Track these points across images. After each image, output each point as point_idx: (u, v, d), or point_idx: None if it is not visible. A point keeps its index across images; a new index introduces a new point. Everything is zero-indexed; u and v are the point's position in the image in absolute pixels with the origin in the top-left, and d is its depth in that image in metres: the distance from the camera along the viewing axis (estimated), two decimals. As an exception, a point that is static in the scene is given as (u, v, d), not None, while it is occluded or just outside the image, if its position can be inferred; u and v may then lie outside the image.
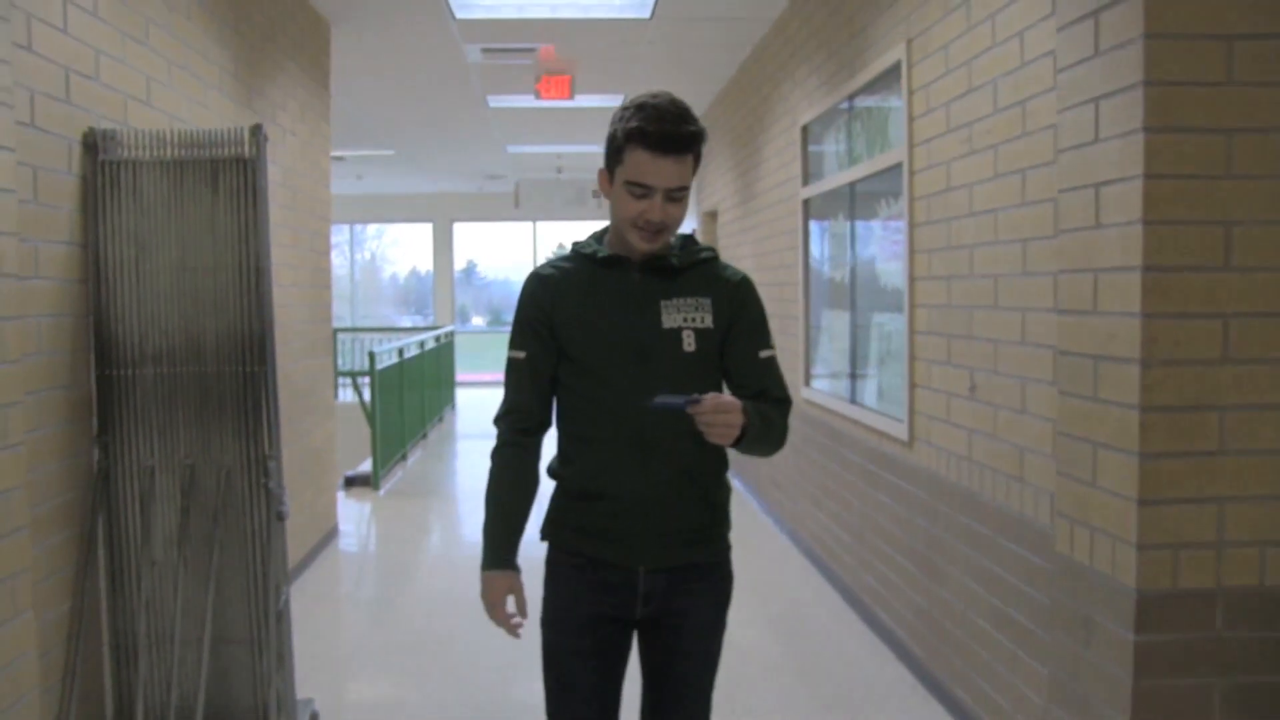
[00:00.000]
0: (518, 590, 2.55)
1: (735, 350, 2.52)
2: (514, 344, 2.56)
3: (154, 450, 3.89)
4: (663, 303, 2.47)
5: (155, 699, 3.87)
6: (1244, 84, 2.70)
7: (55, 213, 3.62)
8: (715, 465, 2.56)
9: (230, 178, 3.91)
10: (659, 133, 2.32)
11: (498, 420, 2.60)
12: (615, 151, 2.40)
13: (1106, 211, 2.84)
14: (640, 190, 2.36)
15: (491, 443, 2.61)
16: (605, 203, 2.53)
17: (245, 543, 3.94)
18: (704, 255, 2.54)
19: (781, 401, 2.55)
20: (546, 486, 2.62)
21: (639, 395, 2.37)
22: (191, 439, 3.91)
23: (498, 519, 2.58)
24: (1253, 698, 2.78)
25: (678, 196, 2.38)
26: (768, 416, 2.46)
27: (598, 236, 2.59)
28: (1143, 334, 2.71)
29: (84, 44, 3.82)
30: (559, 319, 2.49)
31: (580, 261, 2.55)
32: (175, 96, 4.65)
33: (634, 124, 2.34)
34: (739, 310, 2.52)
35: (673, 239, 2.53)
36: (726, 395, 2.37)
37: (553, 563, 2.61)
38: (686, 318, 2.46)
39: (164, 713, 3.85)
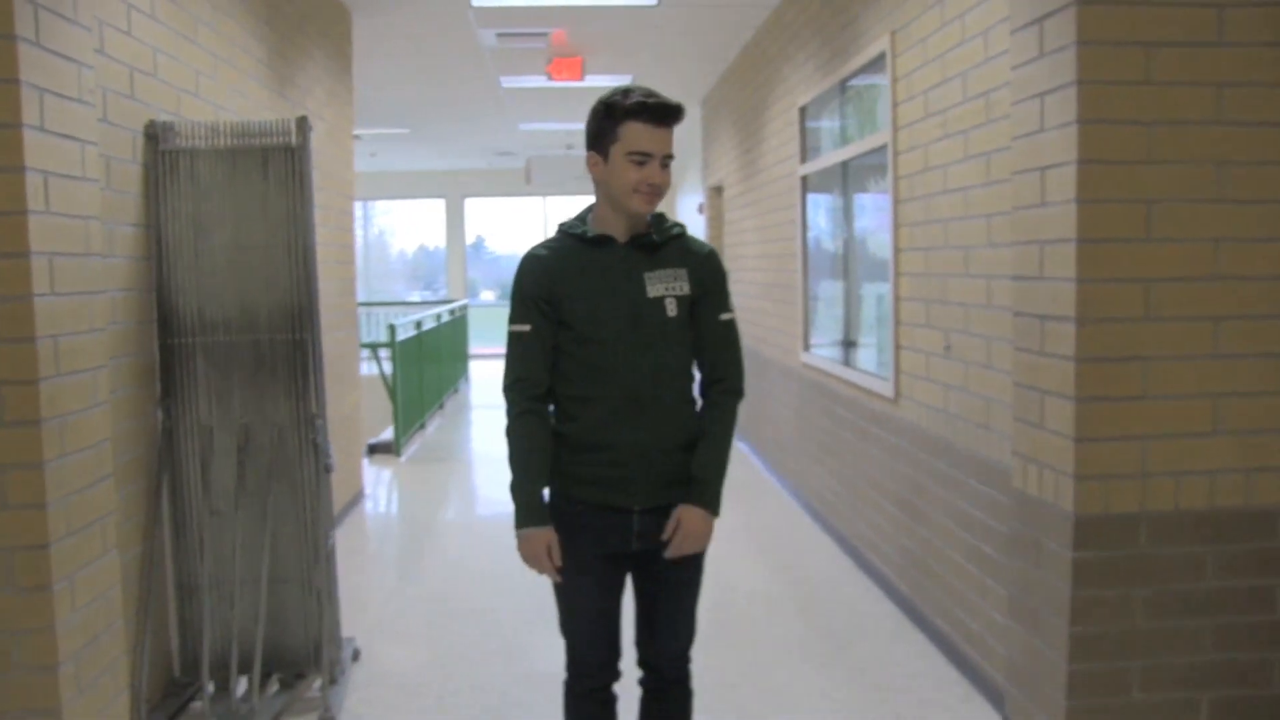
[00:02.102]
0: (553, 542, 2.85)
1: (702, 313, 2.88)
2: (516, 319, 2.86)
3: (212, 411, 4.27)
4: (646, 275, 2.82)
5: (218, 632, 4.28)
6: (1161, 83, 3.12)
7: (125, 198, 4.01)
8: (692, 416, 2.93)
9: (279, 164, 4.28)
10: (659, 105, 2.73)
11: (507, 390, 2.88)
12: (609, 131, 2.75)
13: (1050, 191, 3.26)
14: (641, 158, 2.71)
15: (503, 411, 2.91)
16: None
17: (296, 492, 4.34)
18: (675, 231, 2.90)
19: (730, 393, 2.94)
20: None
21: (632, 356, 2.79)
22: (246, 400, 4.29)
23: (526, 481, 2.86)
24: (1166, 602, 3.24)
25: (667, 163, 2.76)
26: (716, 458, 2.88)
27: (581, 217, 2.92)
28: (1077, 296, 3.14)
29: (144, 44, 4.18)
30: (560, 293, 2.82)
31: (570, 240, 2.88)
32: (219, 88, 5.04)
33: (634, 102, 2.72)
34: (709, 278, 2.89)
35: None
36: (682, 525, 2.83)
37: (556, 509, 2.90)
38: (668, 287, 2.82)
39: (226, 645, 4.27)
